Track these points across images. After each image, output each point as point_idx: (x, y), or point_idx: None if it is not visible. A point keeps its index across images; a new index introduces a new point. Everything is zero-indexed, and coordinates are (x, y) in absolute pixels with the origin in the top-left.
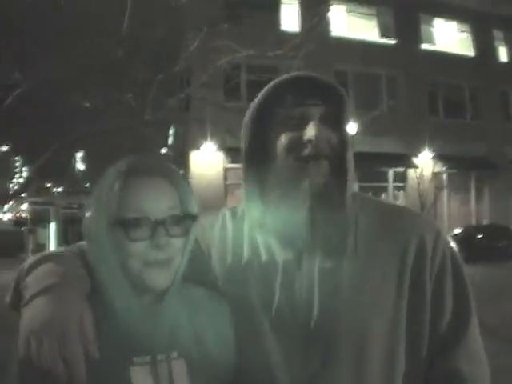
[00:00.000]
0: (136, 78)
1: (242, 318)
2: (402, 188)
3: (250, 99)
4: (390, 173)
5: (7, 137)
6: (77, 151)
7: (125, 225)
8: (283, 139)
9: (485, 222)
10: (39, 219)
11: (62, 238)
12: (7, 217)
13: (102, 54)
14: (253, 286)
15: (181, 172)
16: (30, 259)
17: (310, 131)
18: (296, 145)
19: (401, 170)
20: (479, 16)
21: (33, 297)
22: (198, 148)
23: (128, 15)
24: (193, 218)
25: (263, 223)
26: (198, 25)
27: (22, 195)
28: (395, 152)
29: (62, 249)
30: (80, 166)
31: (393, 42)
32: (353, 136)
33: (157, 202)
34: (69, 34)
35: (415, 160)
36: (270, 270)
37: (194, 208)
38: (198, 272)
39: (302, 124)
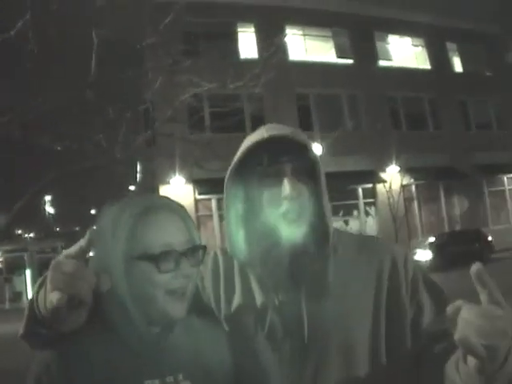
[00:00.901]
0: (106, 118)
1: (237, 337)
2: (373, 203)
3: (215, 130)
4: (360, 190)
5: None
6: (46, 195)
7: (154, 258)
8: (264, 196)
9: (457, 228)
10: (14, 267)
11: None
12: None
13: (71, 96)
14: (241, 328)
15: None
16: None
17: (285, 188)
18: (275, 202)
19: (370, 185)
20: (432, 30)
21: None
22: (167, 182)
23: (95, 58)
24: (204, 248)
25: (248, 267)
26: (159, 63)
27: None
28: (363, 169)
29: None
30: (50, 209)
31: (350, 61)
32: (320, 157)
33: (178, 235)
34: (38, 76)
35: (383, 175)
36: (261, 309)
37: (200, 239)
38: (198, 303)
39: (279, 181)
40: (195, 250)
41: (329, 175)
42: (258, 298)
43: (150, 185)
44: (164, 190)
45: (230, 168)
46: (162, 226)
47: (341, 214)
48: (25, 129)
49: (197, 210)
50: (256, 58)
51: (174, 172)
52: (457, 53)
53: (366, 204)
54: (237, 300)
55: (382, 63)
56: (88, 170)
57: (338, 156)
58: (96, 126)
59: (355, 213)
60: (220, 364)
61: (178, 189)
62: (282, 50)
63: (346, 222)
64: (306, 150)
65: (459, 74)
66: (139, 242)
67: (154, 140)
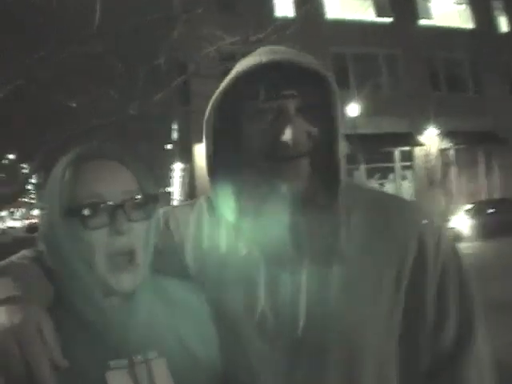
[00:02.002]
0: (119, 72)
1: (221, 320)
2: (410, 167)
3: None
4: (396, 152)
5: (12, 144)
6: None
7: (80, 213)
8: (256, 138)
9: (495, 196)
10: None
11: None
12: (19, 224)
13: (78, 50)
14: (232, 290)
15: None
16: None
17: (286, 130)
18: (271, 144)
19: (407, 148)
20: None
21: None
22: (201, 141)
23: (99, 6)
24: (153, 200)
25: (240, 229)
26: (188, 10)
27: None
28: (400, 131)
29: (19, 255)
30: None
31: (389, 20)
32: (356, 117)
33: (112, 185)
34: (41, 32)
35: (421, 138)
36: (252, 274)
37: (154, 191)
38: (171, 267)
39: (277, 119)
40: (138, 203)
41: (365, 137)
42: (248, 270)
43: (186, 143)
44: (199, 149)
45: (210, 102)
46: (91, 175)
47: (376, 176)
48: (40, 87)
49: None
50: (292, 16)
51: None
52: (503, 11)
53: (402, 167)
54: (221, 269)
55: (423, 22)
56: (103, 126)
57: (374, 117)
58: (110, 81)
59: (391, 176)
60: (202, 340)
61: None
62: (318, 7)
63: (382, 185)
64: (318, 79)
65: (505, 34)
66: (68, 196)
67: (187, 98)
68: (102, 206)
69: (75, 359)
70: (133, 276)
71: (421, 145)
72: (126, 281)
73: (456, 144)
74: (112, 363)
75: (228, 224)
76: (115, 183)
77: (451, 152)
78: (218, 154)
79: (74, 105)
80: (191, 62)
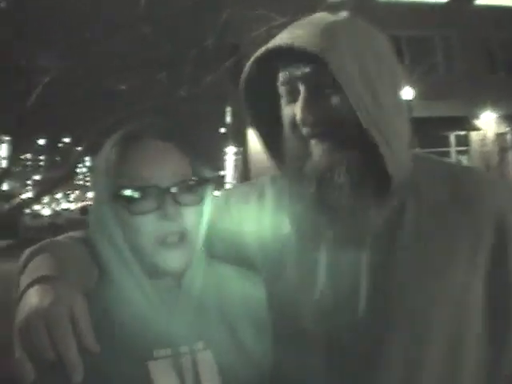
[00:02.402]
0: (168, 54)
1: (279, 303)
2: (465, 152)
3: None
4: (452, 137)
5: (67, 128)
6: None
7: (126, 196)
8: (284, 115)
9: None
10: None
11: None
12: (73, 206)
13: (125, 33)
14: (292, 269)
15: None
16: (27, 250)
17: (298, 111)
18: (294, 123)
19: (463, 133)
20: None
21: (23, 291)
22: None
23: None
24: (206, 184)
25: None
26: None
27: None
28: (456, 115)
29: (65, 235)
30: None
31: (444, 0)
32: (410, 101)
33: (161, 167)
34: (89, 15)
35: (477, 122)
36: (313, 252)
37: (207, 174)
38: (228, 250)
39: (294, 100)
40: (189, 186)
41: (419, 120)
42: (309, 248)
43: (239, 126)
44: (252, 132)
45: (240, 83)
46: (139, 156)
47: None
48: (90, 70)
49: None
50: None
51: None
52: None
53: (457, 152)
54: (282, 248)
55: (479, 2)
56: (156, 108)
57: (429, 101)
58: (160, 63)
59: None
60: (256, 333)
61: None
62: None
63: None
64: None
65: None
66: (114, 177)
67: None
68: (149, 189)
69: (116, 345)
70: (182, 255)
71: (477, 129)
72: (174, 260)
73: None
74: (155, 352)
75: (290, 201)
76: (165, 165)
77: (508, 136)
78: (263, 130)
79: (124, 87)
80: (242, 44)
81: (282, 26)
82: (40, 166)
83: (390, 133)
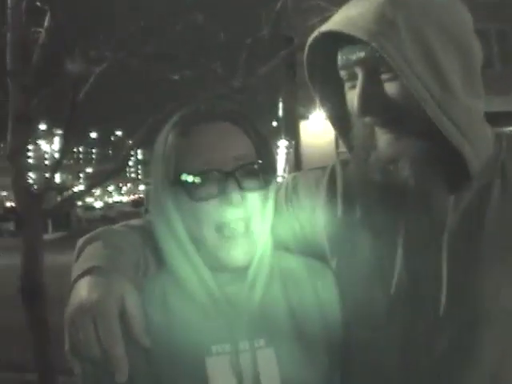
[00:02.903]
0: (222, 43)
1: (351, 297)
2: None
3: None
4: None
5: (119, 122)
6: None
7: (186, 182)
8: (348, 102)
9: None
10: None
11: None
12: (126, 198)
13: (179, 22)
14: (367, 257)
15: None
16: (81, 239)
17: (354, 100)
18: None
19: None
20: None
21: (74, 282)
22: (306, 117)
23: None
24: (269, 167)
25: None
26: None
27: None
28: (510, 110)
29: (123, 223)
30: None
31: None
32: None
33: (223, 150)
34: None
35: None
36: (388, 236)
37: (270, 156)
38: (296, 238)
39: (352, 86)
40: (253, 171)
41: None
42: (384, 234)
43: (292, 119)
44: (304, 126)
45: (306, 75)
46: (198, 139)
47: None
48: (143, 60)
49: (337, 146)
50: None
51: (315, 107)
52: None
53: None
54: (356, 235)
55: None
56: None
57: (485, 95)
58: (213, 53)
59: None
60: (324, 328)
61: (318, 124)
62: None
63: None
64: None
65: None
66: (173, 162)
67: (294, 71)
68: (211, 173)
69: (173, 339)
70: (246, 248)
71: None
72: (238, 253)
73: None
74: (214, 348)
75: (359, 191)
76: (227, 148)
77: None
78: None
79: (177, 77)
80: (296, 35)
81: None
82: (92, 158)
83: (463, 119)
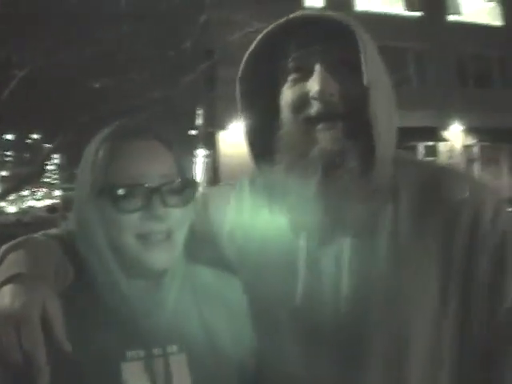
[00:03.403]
0: (144, 54)
1: (259, 306)
2: None
3: None
4: (420, 147)
5: (36, 124)
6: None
7: (113, 194)
8: (287, 97)
9: None
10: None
11: None
12: (40, 204)
13: (105, 29)
14: (271, 272)
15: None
16: (3, 246)
17: (314, 85)
18: (302, 103)
19: (431, 143)
20: None
21: None
22: (226, 128)
23: None
24: (192, 186)
25: (274, 198)
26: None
27: (55, 182)
28: (425, 126)
29: (41, 232)
30: None
31: (418, 14)
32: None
33: (149, 166)
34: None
35: (445, 133)
36: (292, 253)
37: (192, 175)
38: (207, 251)
39: (307, 76)
40: (177, 188)
41: None
42: (288, 247)
43: (209, 129)
44: (222, 136)
45: (242, 62)
46: (127, 155)
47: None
48: (64, 68)
49: None
50: (321, 6)
51: (234, 118)
52: None
53: None
54: (262, 247)
55: (452, 17)
56: (129, 108)
57: (400, 111)
58: (137, 63)
59: None
60: (233, 336)
61: (237, 135)
62: None
63: None
64: (349, 34)
65: None
66: (101, 175)
67: (212, 83)
68: (137, 188)
69: (91, 345)
70: (167, 253)
71: (445, 140)
72: (159, 258)
73: (480, 141)
74: (129, 353)
75: (269, 200)
76: (153, 165)
77: (475, 149)
78: (249, 118)
79: (97, 85)
80: (218, 48)
81: (258, 32)
82: (7, 161)
83: (385, 126)
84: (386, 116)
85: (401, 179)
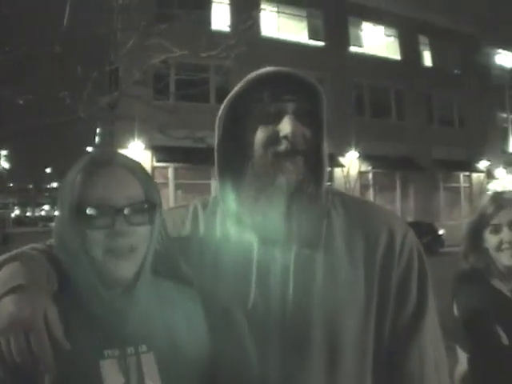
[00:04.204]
0: (73, 75)
1: (215, 313)
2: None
3: (179, 98)
4: None
5: None
6: (1, 149)
7: (85, 214)
8: (259, 135)
9: (409, 219)
10: None
11: None
12: None
13: (38, 48)
14: (227, 281)
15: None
16: None
17: (286, 127)
18: (272, 141)
19: (328, 169)
20: (406, 21)
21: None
22: (125, 147)
23: (68, 11)
24: (154, 206)
25: (239, 217)
26: (132, 24)
27: None
28: None
29: (28, 246)
30: (4, 164)
31: (321, 43)
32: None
33: (117, 190)
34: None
35: (342, 159)
36: (245, 264)
37: (156, 197)
38: (170, 267)
39: (278, 120)
40: (140, 208)
41: None
42: (242, 258)
43: (108, 148)
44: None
45: (224, 103)
46: (100, 180)
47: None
48: None
49: (153, 177)
50: (227, 30)
51: (134, 137)
52: (428, 47)
53: None
54: (217, 260)
55: (353, 49)
56: (47, 127)
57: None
58: (62, 82)
59: None
60: (192, 339)
61: (136, 154)
62: (256, 25)
63: None
64: (311, 89)
65: (428, 68)
66: (78, 196)
67: (116, 103)
68: (104, 208)
69: (75, 345)
70: (131, 264)
71: (341, 166)
72: (124, 268)
73: (375, 167)
74: (106, 352)
75: (223, 220)
76: (121, 189)
77: (370, 175)
78: (224, 149)
79: (21, 102)
80: (135, 70)
81: (176, 59)
82: None
83: (326, 164)
84: (327, 155)
85: (333, 205)
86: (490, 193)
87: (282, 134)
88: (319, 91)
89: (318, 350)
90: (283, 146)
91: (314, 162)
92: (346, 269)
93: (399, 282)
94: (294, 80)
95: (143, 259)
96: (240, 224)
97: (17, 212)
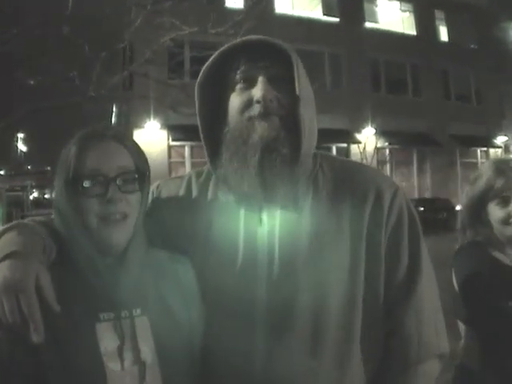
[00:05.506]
0: (82, 55)
1: (206, 278)
2: None
3: (194, 76)
4: (334, 149)
5: None
6: (18, 132)
7: (80, 184)
8: (235, 101)
9: (427, 195)
10: None
11: (7, 222)
12: None
13: (47, 30)
14: (216, 246)
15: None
16: None
17: (258, 92)
18: (247, 105)
19: (344, 145)
20: None
21: None
22: (141, 126)
23: None
24: (144, 175)
25: (222, 182)
26: (141, 2)
27: None
28: (338, 128)
29: (29, 218)
30: (22, 147)
31: (336, 19)
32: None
33: (108, 161)
34: (15, 8)
35: (358, 136)
36: (233, 229)
37: (145, 167)
38: (163, 236)
39: (252, 86)
40: (130, 177)
41: None
42: (229, 221)
43: (125, 128)
44: (138, 135)
45: (201, 70)
46: (92, 152)
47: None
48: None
49: (170, 156)
50: (241, 8)
51: (149, 116)
52: (444, 22)
53: None
54: (208, 227)
55: (368, 25)
56: (62, 107)
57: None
58: (71, 62)
59: None
60: (185, 305)
61: (152, 134)
62: (270, 1)
63: None
64: (286, 55)
65: (444, 43)
66: (72, 168)
67: (130, 82)
68: (97, 178)
69: (72, 309)
70: (124, 231)
71: (358, 142)
72: (117, 235)
73: (391, 143)
74: (101, 315)
75: (214, 187)
76: (112, 160)
77: (387, 151)
78: (204, 117)
79: (32, 82)
80: (145, 49)
81: (190, 37)
82: None
83: (308, 128)
84: (309, 120)
85: (320, 170)
86: (490, 161)
87: (255, 98)
88: (292, 56)
89: (304, 313)
90: (256, 110)
91: (290, 124)
92: (332, 230)
93: (389, 242)
94: (268, 47)
95: (134, 226)
96: (225, 190)
97: (35, 194)
